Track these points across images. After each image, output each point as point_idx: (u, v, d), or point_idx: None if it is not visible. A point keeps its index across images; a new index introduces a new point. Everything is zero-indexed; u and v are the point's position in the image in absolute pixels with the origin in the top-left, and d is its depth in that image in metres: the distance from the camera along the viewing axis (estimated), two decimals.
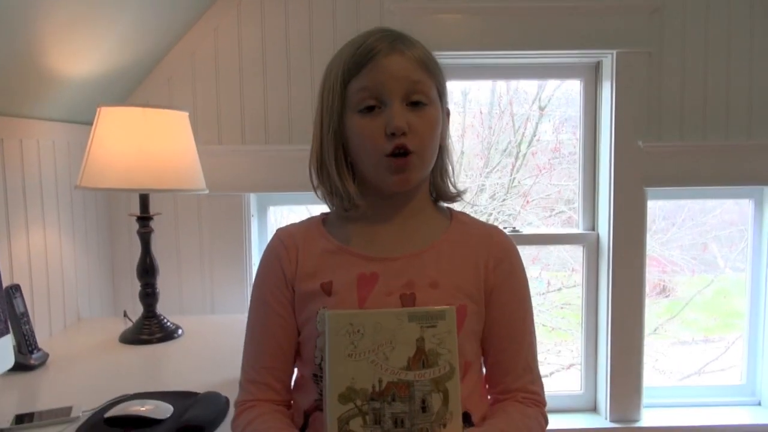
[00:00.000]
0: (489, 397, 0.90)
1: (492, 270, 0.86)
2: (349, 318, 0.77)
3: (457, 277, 0.84)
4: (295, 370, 0.90)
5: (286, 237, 0.89)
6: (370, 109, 0.80)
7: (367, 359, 0.75)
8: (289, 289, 0.86)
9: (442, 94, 0.86)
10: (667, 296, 2.62)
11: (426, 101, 0.82)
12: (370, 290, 0.82)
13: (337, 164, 0.84)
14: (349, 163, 0.85)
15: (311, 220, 0.93)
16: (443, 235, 0.88)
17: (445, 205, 0.93)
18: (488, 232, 0.90)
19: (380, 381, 0.75)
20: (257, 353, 0.88)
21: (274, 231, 0.92)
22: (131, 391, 1.14)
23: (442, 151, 0.89)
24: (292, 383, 0.90)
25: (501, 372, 0.87)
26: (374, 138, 0.80)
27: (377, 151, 0.80)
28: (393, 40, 0.81)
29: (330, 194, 0.86)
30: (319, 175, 0.86)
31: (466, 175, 2.43)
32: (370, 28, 0.85)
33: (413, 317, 0.77)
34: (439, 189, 0.91)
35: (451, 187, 0.91)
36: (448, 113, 0.90)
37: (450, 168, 0.91)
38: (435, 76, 0.84)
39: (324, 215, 0.93)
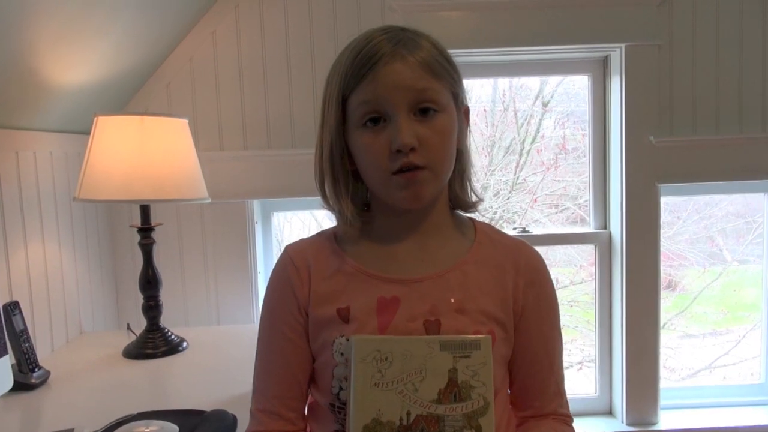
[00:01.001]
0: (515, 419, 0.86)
1: (522, 291, 0.80)
2: (377, 344, 0.71)
3: (485, 300, 0.78)
4: (309, 395, 0.85)
5: (296, 256, 0.82)
6: (375, 121, 0.74)
7: (395, 389, 0.70)
8: (302, 314, 0.80)
9: (457, 94, 0.78)
10: (673, 290, 2.58)
11: (437, 108, 0.74)
12: (391, 316, 0.76)
13: (334, 183, 0.78)
14: (351, 178, 0.79)
15: (323, 235, 0.85)
16: (468, 252, 0.81)
17: (466, 215, 0.86)
18: (516, 248, 0.83)
19: (408, 414, 0.69)
20: (269, 381, 0.82)
21: (283, 248, 0.85)
22: (135, 410, 1.11)
23: (461, 155, 0.81)
24: (307, 409, 0.85)
25: (530, 396, 0.82)
26: (379, 156, 0.73)
27: (384, 169, 0.73)
28: (395, 44, 0.73)
29: (334, 213, 0.82)
30: (321, 192, 0.81)
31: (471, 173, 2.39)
32: (372, 26, 0.78)
33: (446, 346, 0.71)
34: (457, 198, 0.83)
35: (471, 195, 0.84)
36: (466, 112, 0.82)
37: (470, 173, 0.83)
38: (445, 79, 0.75)
39: (336, 229, 0.85)
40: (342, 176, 0.78)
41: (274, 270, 0.84)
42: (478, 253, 0.81)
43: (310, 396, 0.85)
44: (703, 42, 1.82)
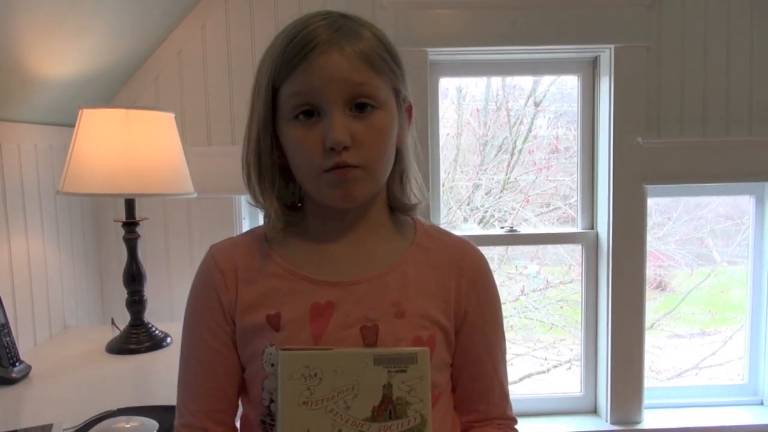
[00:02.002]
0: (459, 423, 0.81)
1: (465, 293, 0.75)
2: (305, 360, 0.65)
3: (425, 303, 0.73)
4: (241, 406, 0.79)
5: (222, 258, 0.75)
6: (307, 114, 0.68)
7: (325, 408, 0.65)
8: (228, 322, 0.73)
9: (398, 90, 0.72)
10: (663, 290, 2.60)
11: (375, 104, 0.68)
12: (325, 323, 0.70)
13: (260, 180, 0.72)
14: (278, 174, 0.73)
15: (252, 234, 0.78)
16: (407, 252, 0.76)
17: (407, 216, 0.81)
18: (459, 249, 0.78)
19: None
20: (194, 394, 0.75)
21: (209, 248, 0.78)
22: (117, 405, 1.11)
23: (401, 155, 0.75)
24: (239, 423, 0.79)
25: (474, 400, 0.78)
26: (311, 152, 0.68)
27: (315, 166, 0.68)
28: (334, 31, 0.67)
29: (262, 210, 0.75)
30: (248, 187, 0.74)
31: (463, 172, 2.39)
32: (311, 10, 0.71)
33: (380, 360, 0.65)
34: (396, 199, 0.77)
35: (410, 197, 0.78)
36: (409, 109, 0.76)
37: (411, 174, 0.77)
38: (386, 73, 0.70)
39: (267, 227, 0.78)
40: (269, 171, 0.72)
41: (197, 273, 0.77)
42: (418, 254, 0.76)
43: (241, 408, 0.79)
44: (692, 45, 1.82)
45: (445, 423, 0.76)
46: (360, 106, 0.68)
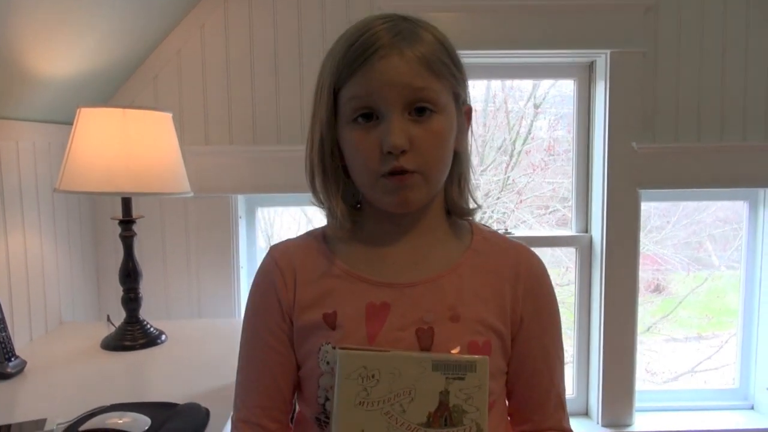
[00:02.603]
0: None
1: (521, 299, 0.75)
2: (363, 360, 0.66)
3: (481, 307, 0.73)
4: (296, 405, 0.81)
5: (281, 258, 0.77)
6: (366, 117, 0.68)
7: (381, 410, 0.65)
8: (286, 320, 0.75)
9: (458, 94, 0.72)
10: (660, 294, 2.61)
11: (434, 108, 0.69)
12: (381, 323, 0.71)
13: (325, 181, 0.73)
14: (342, 175, 0.74)
15: (311, 235, 0.80)
16: (463, 256, 0.76)
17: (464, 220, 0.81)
18: (516, 254, 0.77)
19: None
20: (251, 391, 0.77)
21: (268, 248, 0.80)
22: (110, 402, 1.11)
23: (459, 158, 0.76)
24: (294, 421, 0.81)
25: (530, 409, 0.77)
26: (369, 155, 0.68)
27: (372, 170, 0.69)
28: (394, 35, 0.67)
29: (324, 210, 0.77)
30: (311, 188, 0.76)
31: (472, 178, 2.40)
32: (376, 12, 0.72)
33: (438, 366, 0.65)
34: (454, 203, 0.77)
35: (469, 201, 0.78)
36: (468, 112, 0.76)
37: (469, 177, 0.78)
38: (446, 77, 0.70)
39: (325, 228, 0.80)
40: (333, 173, 0.73)
41: (257, 273, 0.80)
42: (475, 258, 0.76)
43: (297, 406, 0.81)
44: (687, 51, 1.83)
45: (499, 430, 0.76)
46: (419, 110, 0.68)
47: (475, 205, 0.79)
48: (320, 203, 0.76)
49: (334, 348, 0.70)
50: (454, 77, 0.71)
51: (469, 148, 0.78)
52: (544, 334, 0.77)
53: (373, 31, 0.68)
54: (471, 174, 0.78)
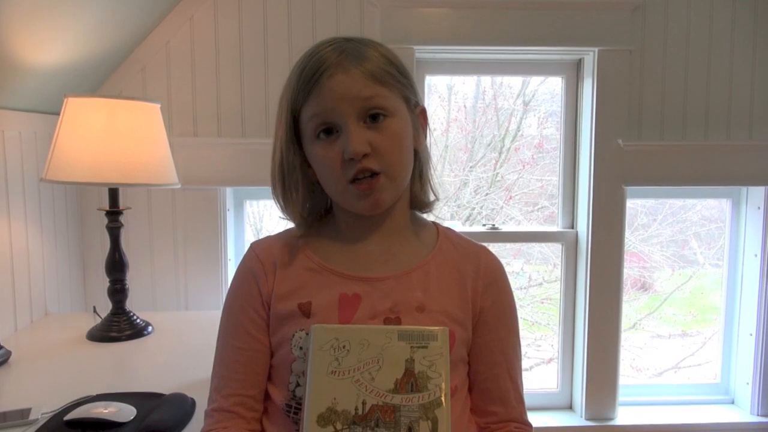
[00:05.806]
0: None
1: (481, 293, 0.82)
2: (335, 332, 0.72)
3: (445, 300, 0.79)
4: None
5: (262, 252, 0.83)
6: (327, 132, 0.75)
7: (351, 378, 0.70)
8: (265, 308, 0.80)
9: (408, 98, 0.79)
10: (646, 291, 2.64)
11: (386, 113, 0.75)
12: (352, 313, 0.77)
13: (284, 195, 0.81)
14: (303, 189, 0.81)
15: (289, 233, 0.86)
16: (430, 254, 0.83)
17: (424, 216, 0.88)
18: (476, 253, 0.85)
19: (364, 403, 0.69)
20: (228, 379, 0.80)
21: (249, 245, 0.87)
22: (96, 392, 1.12)
23: (419, 156, 0.82)
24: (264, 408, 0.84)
25: (490, 401, 0.82)
26: (333, 165, 0.75)
27: (340, 179, 0.75)
28: (339, 54, 0.74)
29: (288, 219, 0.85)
30: (274, 200, 0.83)
31: (451, 169, 2.41)
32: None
33: (403, 336, 0.72)
34: (417, 198, 0.85)
35: (430, 195, 0.85)
36: (422, 112, 0.83)
37: (429, 173, 0.85)
38: (393, 84, 0.76)
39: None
40: (293, 188, 0.80)
41: (239, 265, 0.85)
42: (440, 256, 0.83)
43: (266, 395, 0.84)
44: (674, 49, 1.85)
45: (461, 418, 0.80)
46: (373, 117, 0.75)
47: (434, 198, 0.86)
48: (281, 212, 0.84)
49: (307, 334, 0.75)
50: (400, 83, 0.78)
51: (428, 145, 0.85)
52: (501, 326, 0.83)
53: (320, 55, 0.75)
54: (432, 170, 0.85)
